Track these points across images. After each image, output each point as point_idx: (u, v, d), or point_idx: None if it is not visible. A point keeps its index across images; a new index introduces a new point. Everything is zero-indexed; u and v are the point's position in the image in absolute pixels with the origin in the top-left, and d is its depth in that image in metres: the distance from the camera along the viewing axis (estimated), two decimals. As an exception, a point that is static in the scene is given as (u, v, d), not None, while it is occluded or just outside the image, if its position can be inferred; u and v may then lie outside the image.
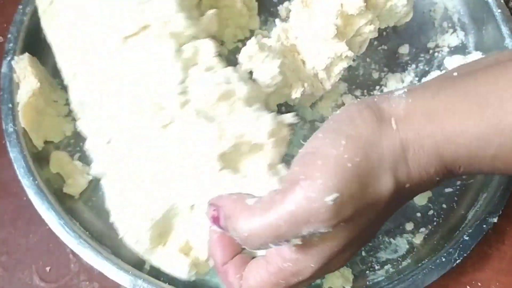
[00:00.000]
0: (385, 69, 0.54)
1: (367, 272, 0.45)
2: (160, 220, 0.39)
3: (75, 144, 0.49)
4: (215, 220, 0.34)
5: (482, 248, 0.46)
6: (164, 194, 0.39)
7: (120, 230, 0.40)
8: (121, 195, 0.40)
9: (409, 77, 0.53)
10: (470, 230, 0.44)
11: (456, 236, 0.44)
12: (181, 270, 0.39)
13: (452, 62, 0.53)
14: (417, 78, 0.53)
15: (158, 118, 0.40)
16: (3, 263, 0.45)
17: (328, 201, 0.29)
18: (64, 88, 0.50)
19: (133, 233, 0.39)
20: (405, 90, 0.33)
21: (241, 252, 0.36)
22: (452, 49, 0.55)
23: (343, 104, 0.52)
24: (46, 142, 0.48)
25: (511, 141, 0.31)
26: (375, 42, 0.54)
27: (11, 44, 0.48)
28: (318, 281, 0.44)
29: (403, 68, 0.54)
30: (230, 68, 0.42)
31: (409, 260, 0.45)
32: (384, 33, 0.55)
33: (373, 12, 0.46)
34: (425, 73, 0.53)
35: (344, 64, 0.47)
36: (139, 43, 0.42)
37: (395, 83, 0.53)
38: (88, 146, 0.43)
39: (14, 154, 0.45)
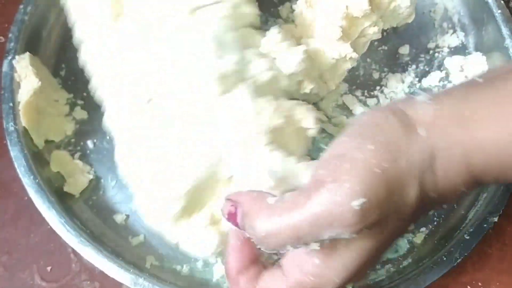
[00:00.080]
0: (385, 69, 0.54)
1: (368, 271, 0.45)
2: (195, 188, 0.38)
3: (75, 143, 0.49)
4: (231, 216, 0.33)
5: (482, 248, 0.46)
6: (203, 162, 0.38)
7: (141, 198, 0.40)
8: (152, 161, 0.39)
9: (409, 77, 0.53)
10: (471, 230, 0.44)
11: (457, 236, 0.44)
12: (208, 245, 0.39)
13: (452, 63, 0.53)
14: (417, 79, 0.53)
15: (212, 89, 0.39)
16: (4, 263, 0.45)
17: (355, 205, 0.28)
18: (65, 88, 0.51)
19: (162, 202, 0.38)
20: (429, 96, 0.33)
21: (257, 263, 0.35)
22: (452, 49, 0.55)
23: (344, 104, 0.52)
24: (46, 141, 0.48)
25: None
26: (376, 43, 0.54)
27: (12, 44, 0.48)
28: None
29: (403, 69, 0.54)
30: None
31: (409, 260, 0.45)
32: (385, 33, 0.55)
33: (377, 13, 0.47)
34: (425, 74, 0.54)
35: (348, 65, 0.47)
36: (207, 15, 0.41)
37: (396, 84, 0.53)
38: (113, 111, 0.42)
39: (14, 153, 0.45)
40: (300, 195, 0.30)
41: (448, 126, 0.31)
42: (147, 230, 0.46)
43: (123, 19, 0.43)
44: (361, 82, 0.53)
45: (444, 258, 0.43)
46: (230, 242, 0.35)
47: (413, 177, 0.30)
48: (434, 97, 0.33)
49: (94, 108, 0.50)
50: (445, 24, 0.56)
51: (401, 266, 0.45)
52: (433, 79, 0.53)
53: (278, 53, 0.43)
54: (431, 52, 0.55)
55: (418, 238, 0.47)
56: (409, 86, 0.53)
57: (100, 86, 0.44)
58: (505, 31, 0.51)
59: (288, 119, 0.40)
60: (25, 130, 0.46)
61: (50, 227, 0.43)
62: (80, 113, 0.50)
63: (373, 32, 0.47)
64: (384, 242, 0.32)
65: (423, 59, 0.54)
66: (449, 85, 0.53)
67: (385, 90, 0.53)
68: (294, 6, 0.49)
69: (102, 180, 0.48)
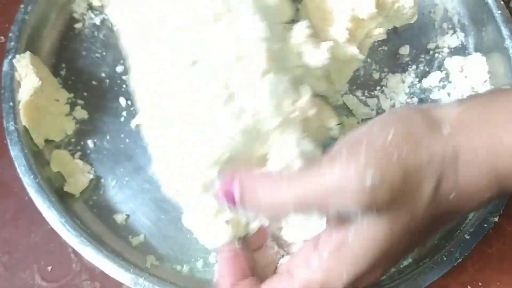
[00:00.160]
0: (386, 69, 0.54)
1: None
2: (228, 159, 0.37)
3: (76, 143, 0.49)
4: (228, 194, 0.32)
5: (482, 247, 0.46)
6: (241, 133, 0.38)
7: (162, 163, 0.39)
8: (184, 125, 0.39)
9: (409, 77, 0.53)
10: (471, 230, 0.44)
11: (457, 236, 0.44)
12: (222, 234, 0.38)
13: (452, 63, 0.54)
14: (417, 79, 0.53)
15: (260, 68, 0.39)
16: (5, 262, 0.45)
17: (367, 180, 0.28)
18: (65, 87, 0.51)
19: (192, 170, 0.38)
20: (455, 100, 0.32)
21: (251, 275, 0.35)
22: (452, 50, 0.55)
23: (344, 104, 0.52)
24: (47, 141, 0.48)
25: None
26: (376, 43, 0.54)
27: (12, 43, 0.48)
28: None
29: (403, 69, 0.54)
30: None
31: (410, 260, 0.45)
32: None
33: (382, 14, 0.47)
34: (425, 74, 0.54)
35: (354, 66, 0.48)
36: None
37: (396, 84, 0.53)
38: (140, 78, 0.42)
39: (15, 152, 0.45)
40: (311, 166, 0.30)
41: (474, 127, 0.30)
42: (148, 230, 0.46)
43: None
44: (362, 82, 0.53)
45: (444, 258, 0.43)
46: (221, 255, 0.35)
47: (433, 173, 0.30)
48: (460, 100, 0.32)
49: (94, 108, 0.50)
50: (445, 25, 0.56)
51: (401, 266, 0.45)
52: (433, 80, 0.53)
53: (305, 47, 0.43)
54: (431, 52, 0.55)
55: (419, 238, 0.47)
56: (409, 86, 0.53)
57: (126, 40, 0.44)
58: (505, 31, 0.51)
59: (317, 114, 0.40)
60: (26, 130, 0.46)
61: (51, 227, 0.43)
62: (81, 113, 0.50)
63: (379, 33, 0.47)
64: (395, 239, 0.31)
65: (423, 59, 0.55)
66: (449, 85, 0.53)
67: (386, 90, 0.53)
68: (298, 6, 0.49)
69: (102, 180, 0.48)
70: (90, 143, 0.49)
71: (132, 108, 0.50)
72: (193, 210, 0.39)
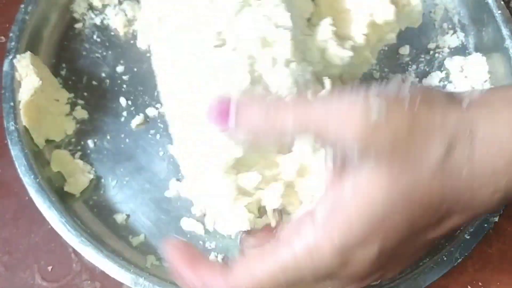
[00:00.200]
0: (386, 69, 0.54)
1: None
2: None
3: (76, 143, 0.49)
4: (222, 114, 0.30)
5: (483, 247, 0.46)
6: None
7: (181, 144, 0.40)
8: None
9: (409, 77, 0.53)
10: (471, 230, 0.44)
11: (457, 236, 0.44)
12: (242, 220, 0.39)
13: (453, 63, 0.54)
14: (417, 79, 0.53)
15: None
16: (5, 262, 0.45)
17: (373, 112, 0.27)
18: (66, 87, 0.51)
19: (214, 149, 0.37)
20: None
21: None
22: (452, 50, 0.55)
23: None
24: (47, 141, 0.48)
25: None
26: (376, 43, 0.55)
27: (13, 43, 0.48)
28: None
29: (403, 69, 0.54)
30: None
31: (410, 260, 0.45)
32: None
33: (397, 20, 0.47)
34: (425, 74, 0.54)
35: (364, 69, 0.48)
36: None
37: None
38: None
39: (15, 152, 0.45)
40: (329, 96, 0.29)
41: (496, 105, 0.29)
42: (148, 230, 0.46)
43: None
44: (362, 82, 0.53)
45: (444, 258, 0.43)
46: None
47: (444, 137, 0.28)
48: (481, 90, 0.32)
49: (94, 108, 0.50)
50: (445, 25, 0.56)
51: (401, 266, 0.45)
52: (433, 80, 0.53)
53: (330, 43, 0.43)
54: (431, 52, 0.55)
55: (419, 238, 0.47)
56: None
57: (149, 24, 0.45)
58: (505, 31, 0.51)
59: None
60: (26, 130, 0.46)
61: (51, 226, 0.43)
62: (81, 113, 0.50)
63: (391, 38, 0.48)
64: (394, 207, 0.28)
65: (423, 59, 0.55)
66: (449, 85, 0.53)
67: (386, 90, 0.53)
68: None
69: (102, 180, 0.48)
70: (90, 143, 0.49)
71: (132, 108, 0.50)
72: (212, 194, 0.39)
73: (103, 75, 0.52)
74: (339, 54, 0.43)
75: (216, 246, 0.45)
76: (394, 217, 0.28)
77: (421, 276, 0.42)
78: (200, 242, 0.45)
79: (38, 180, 0.44)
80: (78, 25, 0.53)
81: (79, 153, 0.48)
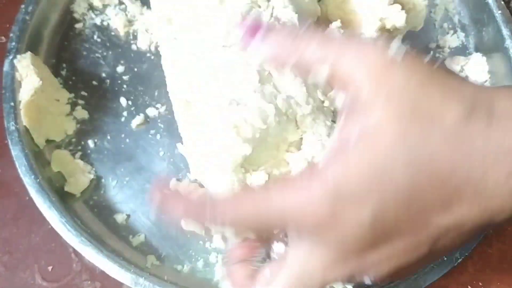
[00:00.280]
0: (386, 69, 0.54)
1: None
2: (262, 139, 0.38)
3: (76, 143, 0.49)
4: (253, 28, 0.31)
5: (483, 248, 0.46)
6: (275, 115, 0.38)
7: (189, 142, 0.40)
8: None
9: (410, 77, 0.53)
10: (471, 230, 0.44)
11: (457, 236, 0.44)
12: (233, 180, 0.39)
13: (453, 63, 0.54)
14: (418, 79, 0.53)
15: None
16: (5, 262, 0.45)
17: (392, 48, 0.27)
18: (66, 87, 0.51)
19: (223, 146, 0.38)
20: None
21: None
22: (453, 50, 0.55)
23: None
24: (47, 141, 0.48)
25: None
26: (376, 43, 0.55)
27: (13, 43, 0.48)
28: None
29: (404, 69, 0.54)
30: None
31: (410, 260, 0.45)
32: (385, 34, 0.55)
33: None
34: (425, 74, 0.54)
35: None
36: None
37: (396, 84, 0.53)
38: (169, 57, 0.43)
39: (15, 152, 0.45)
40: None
41: None
42: (148, 230, 0.46)
43: None
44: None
45: (445, 258, 0.43)
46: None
47: (461, 99, 0.26)
48: None
49: (95, 108, 0.50)
50: (445, 25, 0.56)
51: (401, 266, 0.45)
52: (433, 80, 0.53)
53: None
54: (431, 52, 0.55)
55: (419, 238, 0.47)
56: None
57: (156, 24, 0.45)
58: (505, 31, 0.51)
59: None
60: (26, 130, 0.46)
61: (51, 226, 0.43)
62: (81, 113, 0.50)
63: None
64: (399, 168, 0.26)
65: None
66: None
67: (386, 90, 0.53)
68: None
69: (103, 180, 0.48)
70: (90, 143, 0.49)
71: (132, 108, 0.50)
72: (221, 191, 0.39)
73: (104, 75, 0.52)
74: None
75: (216, 246, 0.45)
76: (395, 175, 0.26)
77: (421, 276, 0.42)
78: (200, 242, 0.45)
79: (38, 180, 0.44)
80: (78, 25, 0.53)
81: (79, 153, 0.48)
